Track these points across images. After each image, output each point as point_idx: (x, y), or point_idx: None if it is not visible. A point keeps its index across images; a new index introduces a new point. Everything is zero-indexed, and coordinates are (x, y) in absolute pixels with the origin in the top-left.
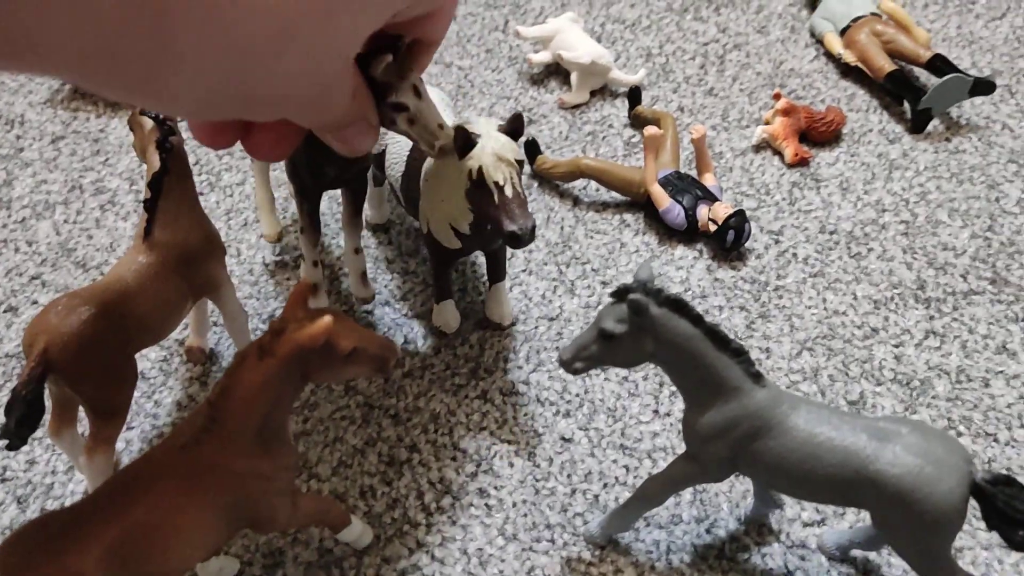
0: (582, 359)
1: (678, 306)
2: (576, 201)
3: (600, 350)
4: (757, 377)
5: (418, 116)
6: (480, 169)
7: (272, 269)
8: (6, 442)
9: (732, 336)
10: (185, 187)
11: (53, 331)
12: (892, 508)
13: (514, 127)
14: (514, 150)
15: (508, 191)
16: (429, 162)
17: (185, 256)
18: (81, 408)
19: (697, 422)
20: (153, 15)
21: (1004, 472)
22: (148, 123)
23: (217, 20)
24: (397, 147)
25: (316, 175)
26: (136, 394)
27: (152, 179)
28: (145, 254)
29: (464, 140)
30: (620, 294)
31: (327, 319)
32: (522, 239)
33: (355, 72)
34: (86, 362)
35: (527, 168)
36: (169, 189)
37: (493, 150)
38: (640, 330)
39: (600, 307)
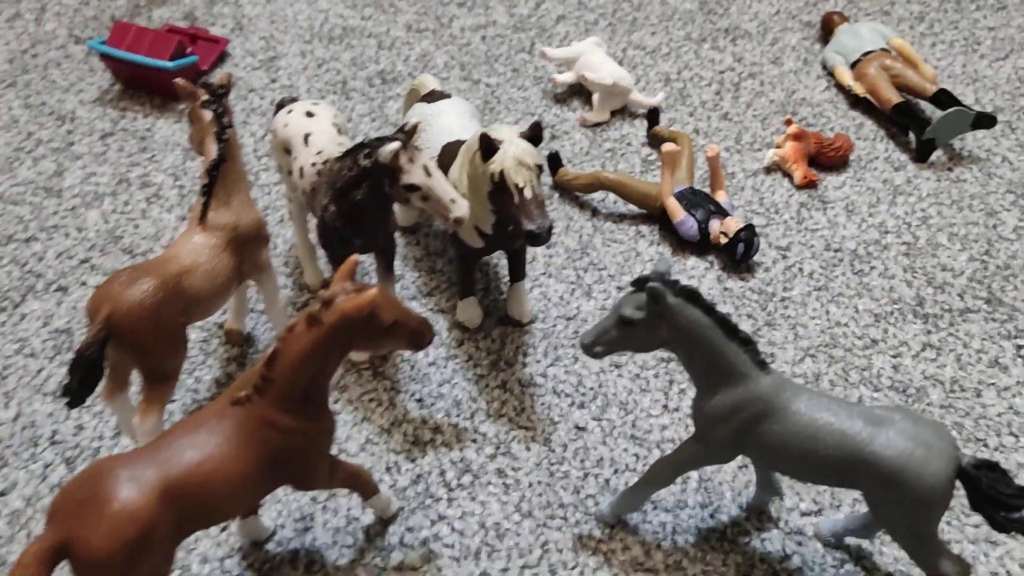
0: (602, 343)
1: (692, 296)
2: (595, 212)
3: (619, 335)
4: (763, 365)
5: (430, 193)
6: (502, 172)
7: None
8: (67, 400)
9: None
10: (238, 175)
11: (116, 299)
12: (885, 487)
13: (534, 134)
14: (534, 155)
15: (528, 193)
16: (454, 167)
17: (236, 238)
18: (133, 376)
19: (706, 405)
20: None
21: (989, 459)
22: (208, 115)
23: None
24: (426, 152)
25: (345, 245)
26: None
27: (210, 166)
28: (200, 234)
29: (487, 145)
30: (639, 283)
31: (373, 291)
32: (540, 237)
33: None
34: (144, 329)
35: (549, 179)
36: (224, 176)
37: (514, 155)
38: (657, 317)
39: (603, 315)
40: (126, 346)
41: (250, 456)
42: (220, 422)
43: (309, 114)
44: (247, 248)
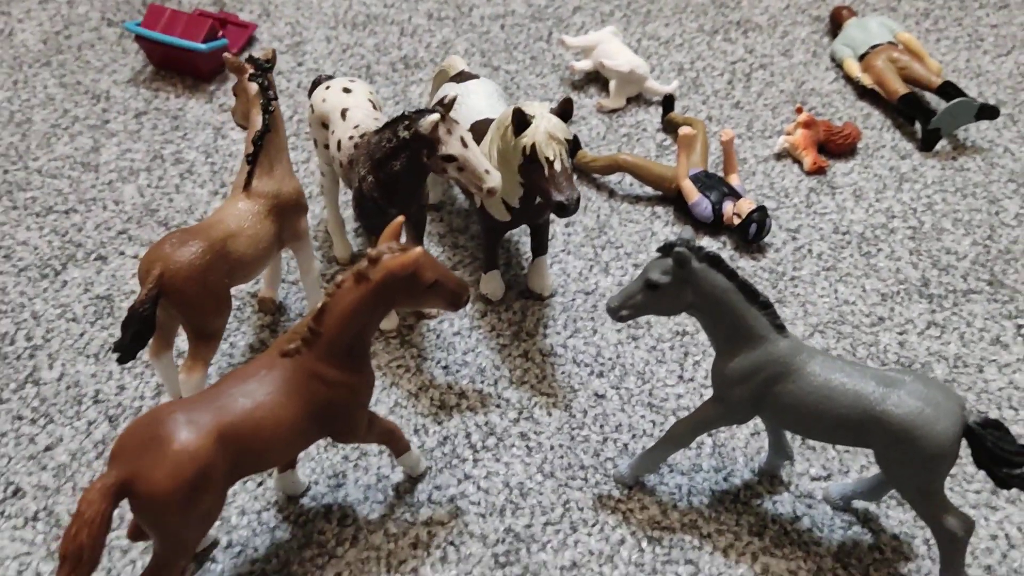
0: (628, 307)
1: (715, 261)
2: (612, 193)
3: (645, 298)
4: (781, 328)
5: (466, 164)
6: (534, 146)
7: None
8: (118, 355)
9: None
10: (280, 146)
11: (168, 260)
12: (895, 444)
13: (565, 109)
14: (564, 130)
15: (557, 166)
16: (484, 144)
17: (277, 206)
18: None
19: (726, 367)
20: None
21: (994, 418)
22: (254, 88)
23: None
24: None
25: (381, 215)
26: None
27: (255, 136)
28: (245, 201)
29: (520, 120)
30: (666, 249)
31: (417, 251)
32: (568, 208)
33: None
34: (193, 289)
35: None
36: (267, 147)
37: (546, 129)
38: (682, 281)
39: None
40: (176, 304)
41: (297, 405)
42: (270, 372)
43: (346, 90)
44: (287, 216)
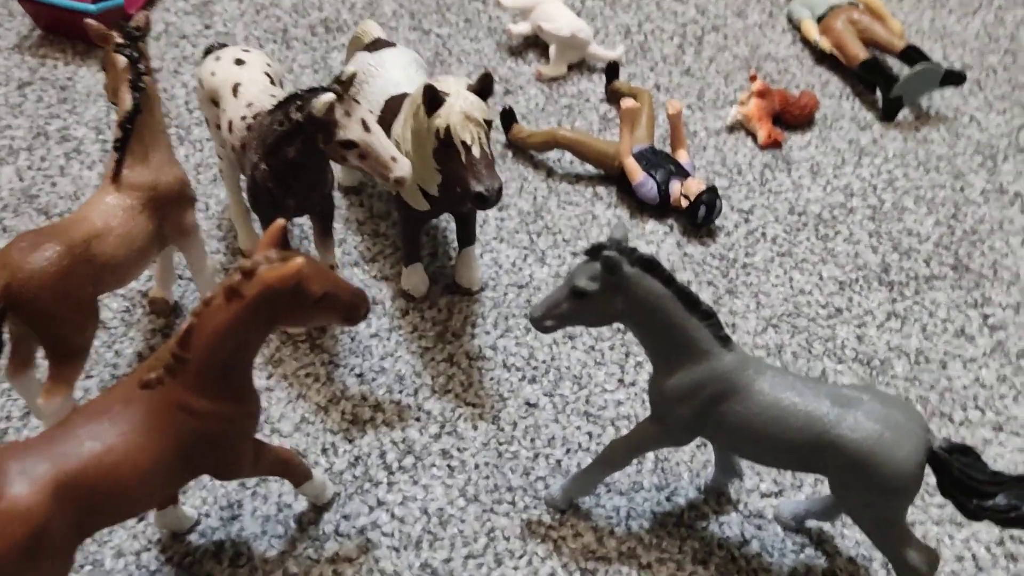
0: (553, 316)
1: (650, 266)
2: (550, 172)
3: (571, 308)
4: (725, 341)
5: (368, 151)
6: (448, 128)
7: None
8: None
9: None
10: (157, 128)
11: (15, 267)
12: (851, 472)
13: (483, 86)
14: (483, 109)
15: (475, 151)
16: (398, 123)
17: (155, 199)
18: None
19: (664, 384)
20: None
21: (962, 442)
22: (122, 61)
23: None
24: (368, 105)
25: (277, 207)
26: (96, 343)
27: (124, 119)
28: (113, 194)
29: (432, 98)
30: (594, 252)
31: (299, 260)
32: (488, 200)
33: None
34: (47, 300)
35: (502, 137)
36: (140, 130)
37: (461, 109)
38: (612, 288)
39: (556, 282)
40: (27, 319)
41: (162, 444)
42: (127, 408)
43: (239, 62)
44: (168, 210)
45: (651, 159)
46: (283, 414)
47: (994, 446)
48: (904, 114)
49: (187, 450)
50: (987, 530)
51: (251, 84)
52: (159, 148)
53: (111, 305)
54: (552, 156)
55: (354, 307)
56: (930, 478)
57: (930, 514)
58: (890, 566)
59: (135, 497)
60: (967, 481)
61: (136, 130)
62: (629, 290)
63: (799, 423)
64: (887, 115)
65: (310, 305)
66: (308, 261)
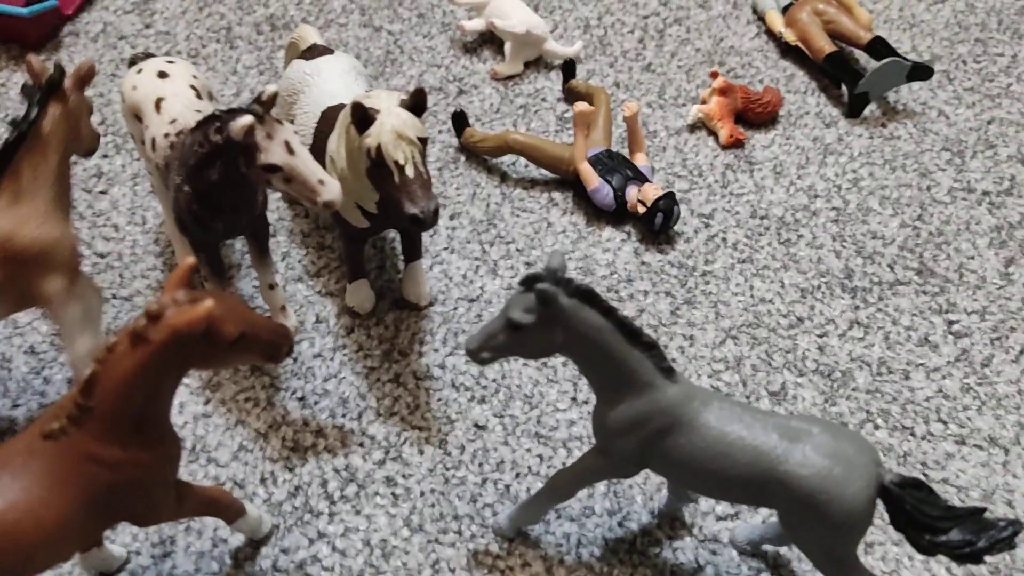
0: (489, 348)
1: (588, 297)
2: (504, 177)
3: (508, 340)
4: (669, 372)
5: (293, 175)
6: (379, 147)
7: None
8: None
9: (652, 326)
10: (44, 176)
11: None
12: (800, 509)
13: (416, 102)
14: (416, 127)
15: (409, 171)
16: (333, 137)
17: (5, 255)
18: None
19: (607, 417)
20: None
21: (915, 476)
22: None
23: None
24: (304, 117)
25: (206, 231)
26: (24, 369)
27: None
28: None
29: (361, 116)
30: (528, 282)
31: (208, 303)
32: (424, 222)
33: None
34: None
35: (454, 141)
36: (19, 168)
37: (393, 127)
38: (549, 321)
39: (509, 295)
40: None
41: (69, 498)
42: (29, 460)
43: (162, 74)
44: (20, 272)
45: (607, 164)
46: (220, 442)
47: (956, 460)
48: (871, 109)
49: (98, 502)
50: None
51: (175, 99)
52: (38, 198)
53: (40, 328)
54: (506, 161)
55: (275, 346)
56: None
57: (889, 534)
58: None
59: (42, 554)
60: (920, 517)
61: (14, 166)
62: (566, 322)
63: (747, 458)
64: (853, 111)
65: (224, 348)
66: (220, 301)
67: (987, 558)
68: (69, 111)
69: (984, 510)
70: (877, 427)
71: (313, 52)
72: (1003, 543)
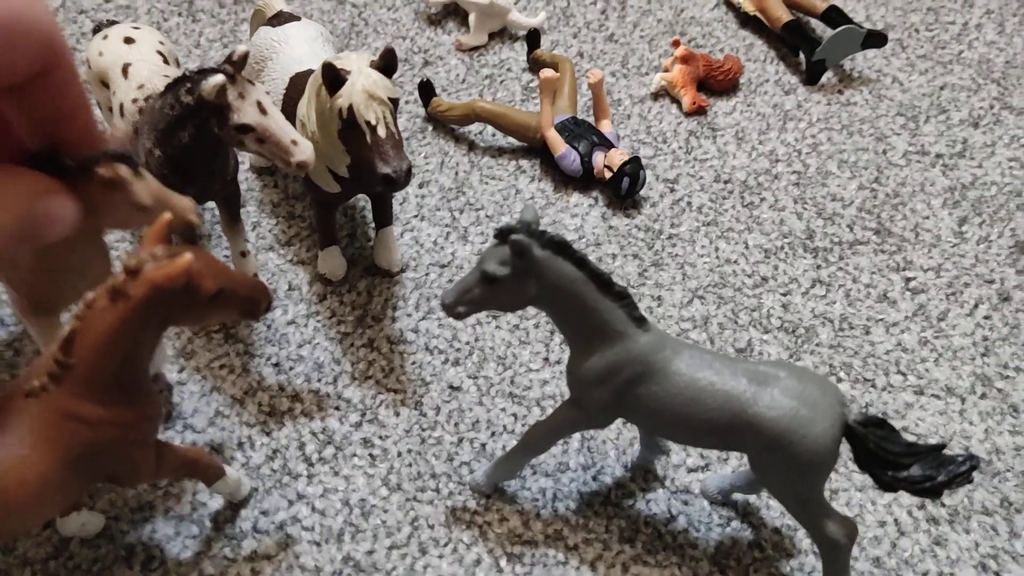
0: (465, 303)
1: (561, 248)
2: (472, 146)
3: (483, 293)
4: (640, 321)
5: (266, 135)
6: (351, 108)
7: None
8: None
9: (621, 282)
10: None
11: None
12: (768, 450)
13: (387, 62)
14: (387, 87)
15: (381, 131)
16: (303, 102)
17: None
18: None
19: (581, 367)
20: None
21: (877, 415)
22: None
23: None
24: (272, 84)
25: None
26: None
27: None
28: None
29: (333, 77)
30: (502, 235)
31: (187, 257)
32: (397, 182)
33: None
34: None
35: (421, 111)
36: None
37: (364, 87)
38: (523, 272)
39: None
40: None
41: (50, 456)
42: (10, 418)
43: (128, 40)
44: None
45: (573, 130)
46: (196, 409)
47: (915, 410)
48: (828, 77)
49: (80, 460)
50: (909, 495)
51: (142, 64)
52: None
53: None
54: (474, 129)
55: (254, 301)
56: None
57: (853, 480)
58: None
59: (23, 513)
60: (882, 454)
61: None
62: (540, 274)
63: (716, 403)
64: (811, 79)
65: (204, 303)
66: (199, 256)
67: (945, 499)
68: None
69: (943, 446)
70: (840, 380)
71: (280, 19)
72: (961, 477)
